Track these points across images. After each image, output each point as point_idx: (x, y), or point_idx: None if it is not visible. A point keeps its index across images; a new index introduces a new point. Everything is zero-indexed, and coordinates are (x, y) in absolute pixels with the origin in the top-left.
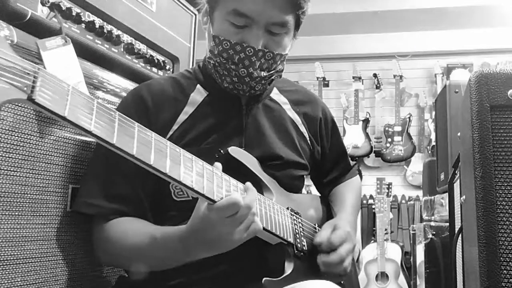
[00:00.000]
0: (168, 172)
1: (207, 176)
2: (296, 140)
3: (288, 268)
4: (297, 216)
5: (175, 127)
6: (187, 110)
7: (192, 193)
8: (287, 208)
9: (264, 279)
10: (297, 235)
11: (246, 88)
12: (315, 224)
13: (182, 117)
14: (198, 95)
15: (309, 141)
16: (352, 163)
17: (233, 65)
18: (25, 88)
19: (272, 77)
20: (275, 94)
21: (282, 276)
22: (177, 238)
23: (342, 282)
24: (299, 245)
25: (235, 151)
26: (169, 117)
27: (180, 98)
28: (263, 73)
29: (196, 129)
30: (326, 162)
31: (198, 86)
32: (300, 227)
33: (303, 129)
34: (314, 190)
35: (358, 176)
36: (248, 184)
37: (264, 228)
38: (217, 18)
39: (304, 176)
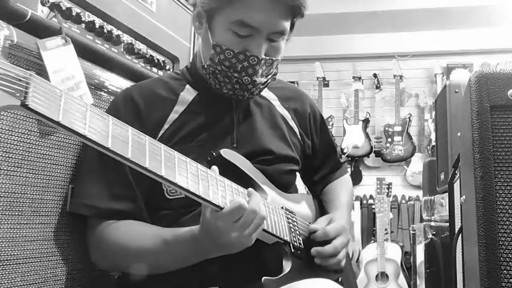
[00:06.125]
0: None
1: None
2: (287, 134)
3: (286, 266)
4: (292, 215)
5: (166, 126)
6: (177, 109)
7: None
8: (282, 207)
9: (263, 278)
10: (293, 233)
11: (246, 94)
12: (309, 223)
13: (173, 116)
14: (188, 94)
15: (299, 136)
16: (342, 160)
17: (235, 73)
18: (18, 94)
19: (269, 81)
20: (264, 91)
21: (281, 275)
22: (191, 240)
23: (339, 279)
24: (295, 243)
25: (228, 153)
26: (160, 117)
27: (170, 97)
28: (263, 79)
29: (187, 127)
30: (316, 157)
31: (188, 86)
32: (295, 225)
33: (293, 124)
34: None
35: (348, 174)
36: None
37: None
38: (218, 26)
39: (296, 172)
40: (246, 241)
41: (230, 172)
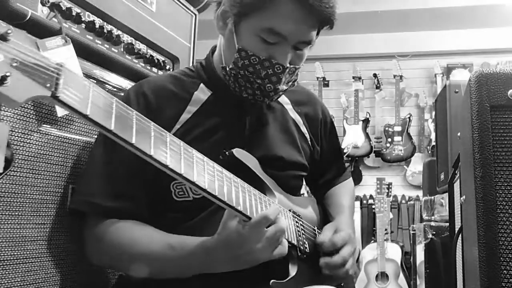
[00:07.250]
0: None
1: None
2: (298, 140)
3: (293, 270)
4: (299, 218)
5: (177, 126)
6: (190, 109)
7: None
8: (289, 210)
9: (271, 281)
10: (299, 237)
11: (266, 100)
12: (314, 226)
13: (185, 116)
14: (202, 94)
15: (309, 142)
16: (346, 165)
17: (258, 79)
18: (49, 85)
19: (288, 88)
20: None
21: (288, 278)
22: (202, 250)
23: (342, 284)
24: (301, 247)
25: (240, 153)
26: (171, 115)
27: (182, 96)
28: (285, 87)
29: (199, 128)
30: (323, 162)
31: (202, 85)
32: (301, 229)
33: (304, 129)
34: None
35: (351, 178)
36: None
37: None
38: (245, 30)
39: (303, 177)
40: (264, 256)
41: (240, 172)
